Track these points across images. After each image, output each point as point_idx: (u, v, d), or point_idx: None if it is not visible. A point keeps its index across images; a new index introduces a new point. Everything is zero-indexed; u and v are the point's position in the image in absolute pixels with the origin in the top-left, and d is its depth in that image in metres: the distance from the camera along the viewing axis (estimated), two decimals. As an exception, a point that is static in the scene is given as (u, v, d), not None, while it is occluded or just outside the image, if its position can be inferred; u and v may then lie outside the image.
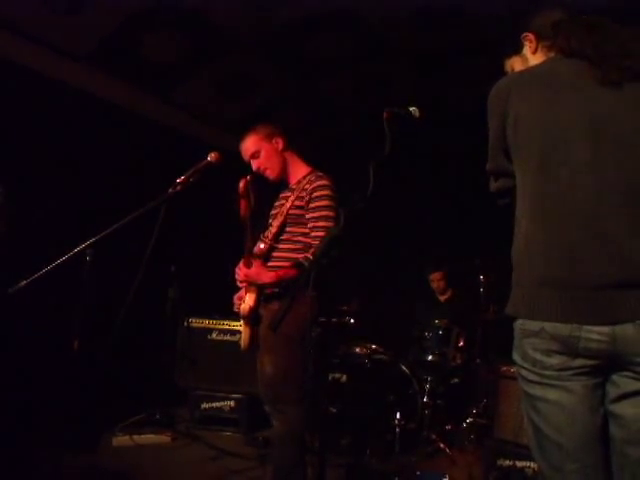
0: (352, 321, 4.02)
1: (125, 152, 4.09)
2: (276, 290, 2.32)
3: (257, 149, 2.43)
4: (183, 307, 3.98)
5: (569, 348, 1.28)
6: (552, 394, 1.32)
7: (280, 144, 2.46)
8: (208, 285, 4.32)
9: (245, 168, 2.56)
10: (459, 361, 3.84)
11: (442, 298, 4.57)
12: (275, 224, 2.38)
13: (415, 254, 4.94)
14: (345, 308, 4.04)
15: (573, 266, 1.27)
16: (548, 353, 1.31)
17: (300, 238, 2.32)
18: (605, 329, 1.25)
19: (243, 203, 2.28)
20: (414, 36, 3.77)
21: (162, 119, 4.40)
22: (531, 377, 1.37)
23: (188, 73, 4.08)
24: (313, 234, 2.29)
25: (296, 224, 2.34)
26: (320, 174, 2.39)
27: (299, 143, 2.57)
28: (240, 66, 4.09)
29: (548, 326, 1.30)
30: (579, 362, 1.30)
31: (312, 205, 2.30)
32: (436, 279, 4.52)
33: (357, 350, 3.82)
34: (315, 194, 2.30)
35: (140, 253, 2.07)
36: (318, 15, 3.59)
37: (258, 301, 2.36)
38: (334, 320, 4.01)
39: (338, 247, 1.66)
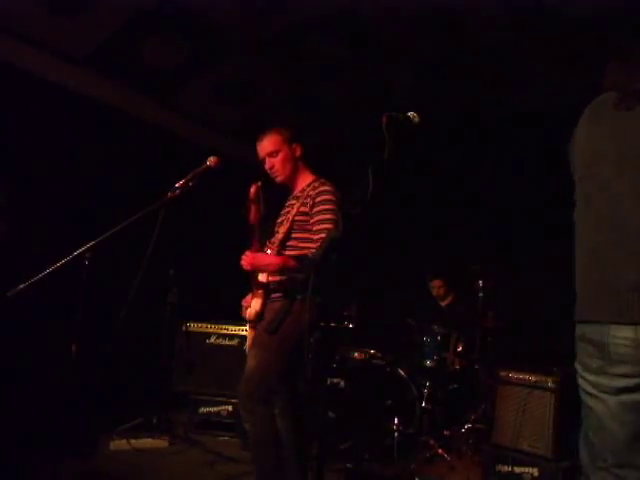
0: (351, 326, 4.03)
1: (124, 156, 4.11)
2: (278, 290, 2.37)
3: (276, 149, 2.49)
4: (182, 311, 3.99)
5: (602, 351, 1.39)
6: (591, 400, 1.44)
7: (298, 151, 2.54)
8: (207, 289, 4.34)
9: (243, 172, 2.59)
10: (458, 366, 3.85)
11: (443, 303, 4.59)
12: (281, 230, 2.44)
13: (415, 258, 4.94)
14: (344, 313, 4.05)
15: (603, 271, 1.41)
16: (589, 356, 1.43)
17: (306, 244, 2.38)
18: (629, 332, 1.35)
19: (254, 208, 2.34)
20: (414, 38, 3.81)
21: (161, 123, 4.41)
22: (580, 379, 1.48)
23: (188, 76, 4.10)
24: (316, 237, 2.34)
25: (301, 230, 2.40)
26: (323, 181, 2.46)
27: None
28: (240, 69, 4.11)
29: (587, 329, 1.44)
30: (616, 369, 1.38)
31: (315, 210, 2.36)
32: (437, 286, 4.55)
33: (356, 355, 3.82)
34: (318, 199, 2.37)
35: (139, 257, 2.09)
36: (318, 17, 3.62)
37: (264, 305, 2.41)
38: (333, 324, 4.02)
39: (337, 250, 1.68)
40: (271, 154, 2.49)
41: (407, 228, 5.09)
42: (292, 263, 2.33)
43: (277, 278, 2.42)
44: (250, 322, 2.42)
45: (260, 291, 2.41)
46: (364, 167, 1.55)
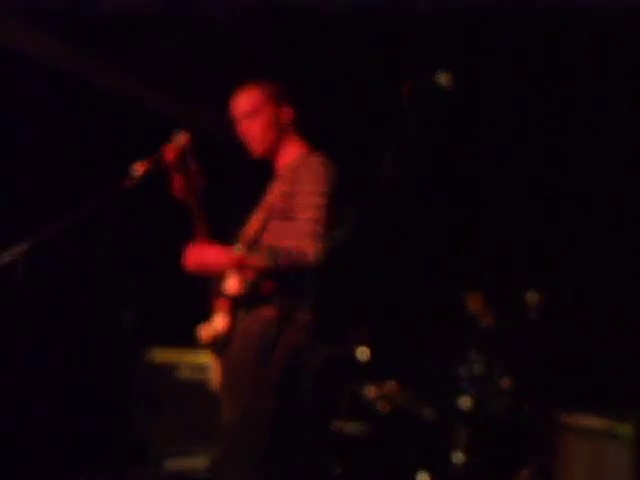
0: (363, 354, 4.00)
1: (63, 128, 4.05)
2: (254, 301, 2.29)
3: (256, 109, 2.42)
4: (143, 335, 3.95)
5: None
6: None
7: (287, 116, 2.46)
8: (177, 305, 4.30)
9: (225, 151, 2.54)
10: (504, 407, 3.80)
11: (482, 323, 4.55)
12: (257, 218, 2.38)
13: (445, 264, 4.93)
14: (352, 336, 4.03)
15: None
16: None
17: (289, 239, 2.26)
18: None
19: (177, 179, 2.24)
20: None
21: (115, 87, 4.41)
22: None
23: (149, 29, 4.09)
24: (301, 229, 2.22)
25: (283, 218, 2.30)
26: (311, 152, 2.39)
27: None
28: (221, 22, 4.08)
29: None
30: None
31: (299, 189, 2.27)
32: (473, 302, 4.51)
33: (369, 391, 3.81)
34: (303, 176, 2.28)
35: (86, 264, 2.06)
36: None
37: (232, 324, 2.34)
38: (338, 351, 3.99)
39: (344, 258, 1.65)
40: (248, 115, 2.42)
41: (435, 226, 5.07)
42: (258, 260, 2.21)
43: (253, 282, 2.32)
44: (210, 346, 2.36)
45: (224, 302, 2.34)
46: (380, 150, 1.56)
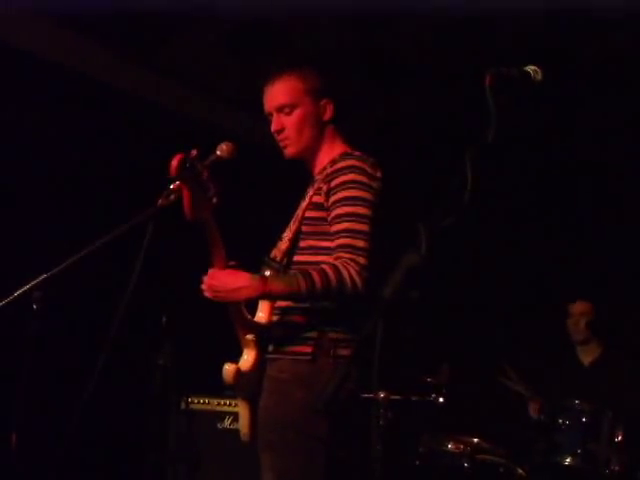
0: (441, 400, 3.95)
1: (89, 137, 4.20)
2: (294, 339, 2.26)
3: (294, 102, 2.40)
4: (180, 379, 3.98)
5: None
6: None
7: (328, 111, 2.44)
8: (217, 346, 4.31)
9: (275, 164, 2.53)
10: (617, 467, 3.71)
11: (586, 361, 4.43)
12: (287, 236, 2.37)
13: (539, 290, 4.87)
14: (429, 380, 3.99)
15: None
16: None
17: (325, 257, 2.26)
18: None
19: (187, 195, 2.21)
20: None
21: (145, 90, 4.54)
22: None
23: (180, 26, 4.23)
24: (334, 244, 2.21)
25: (316, 234, 2.31)
26: (350, 153, 2.36)
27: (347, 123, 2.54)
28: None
29: None
30: None
31: (332, 199, 2.25)
32: (577, 312, 4.39)
33: (450, 446, 3.79)
34: (335, 181, 2.26)
35: (114, 297, 2.08)
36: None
37: (259, 362, 2.32)
38: (413, 399, 3.95)
39: (418, 284, 1.60)
40: (282, 108, 2.39)
41: (526, 243, 5.02)
42: (286, 286, 2.18)
43: (288, 309, 2.31)
44: (233, 389, 2.34)
45: (251, 337, 2.31)
46: (456, 155, 1.52)
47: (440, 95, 4.85)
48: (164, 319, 3.96)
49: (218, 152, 2.26)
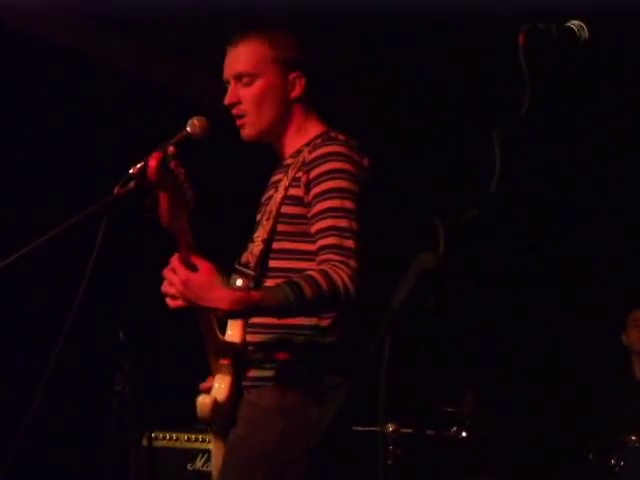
0: (463, 434, 4.02)
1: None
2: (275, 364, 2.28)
3: (255, 71, 2.41)
4: (141, 410, 3.99)
5: None
6: None
7: (298, 87, 2.45)
8: (188, 369, 4.32)
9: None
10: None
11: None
12: (259, 235, 2.38)
13: (582, 299, 4.90)
14: (449, 410, 4.06)
15: None
16: None
17: (308, 262, 2.29)
18: None
19: (164, 198, 2.18)
20: None
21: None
22: None
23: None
24: (318, 245, 2.23)
25: (297, 234, 2.33)
26: (333, 135, 2.38)
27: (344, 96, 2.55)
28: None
29: None
30: None
31: (314, 191, 2.28)
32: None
33: None
34: (317, 171, 2.28)
35: (60, 306, 2.08)
36: None
37: (236, 387, 2.34)
38: (429, 433, 4.02)
39: (435, 292, 1.61)
40: (240, 77, 2.41)
41: (567, 241, 5.05)
42: (270, 298, 2.15)
43: (265, 326, 2.32)
44: (208, 424, 2.38)
45: (225, 362, 2.34)
46: (481, 136, 1.52)
47: (460, 57, 4.89)
48: (122, 335, 3.96)
49: (188, 129, 2.27)
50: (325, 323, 2.27)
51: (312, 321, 2.27)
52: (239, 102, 2.41)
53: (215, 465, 2.45)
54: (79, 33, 4.78)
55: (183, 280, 2.14)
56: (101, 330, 3.80)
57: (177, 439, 4.08)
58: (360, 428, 2.52)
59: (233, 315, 2.23)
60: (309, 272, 2.16)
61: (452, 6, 4.64)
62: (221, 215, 4.17)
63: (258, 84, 2.40)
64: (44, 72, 4.46)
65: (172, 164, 2.13)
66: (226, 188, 4.58)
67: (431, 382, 4.51)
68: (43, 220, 2.21)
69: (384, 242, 2.32)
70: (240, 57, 2.42)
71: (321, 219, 2.23)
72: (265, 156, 2.58)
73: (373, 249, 2.24)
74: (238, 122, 2.44)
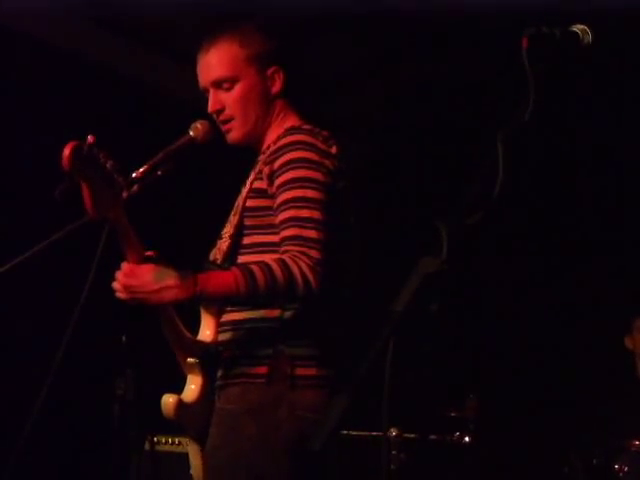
0: (467, 439, 4.01)
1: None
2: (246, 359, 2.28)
3: (234, 74, 2.40)
4: (144, 414, 3.99)
5: None
6: None
7: (278, 82, 2.45)
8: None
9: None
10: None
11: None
12: (227, 231, 2.39)
13: (586, 301, 4.91)
14: (453, 414, 4.06)
15: None
16: None
17: (272, 254, 2.26)
18: None
19: (85, 190, 2.15)
20: None
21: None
22: None
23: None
24: (280, 237, 2.23)
25: (262, 227, 2.32)
26: (298, 127, 2.38)
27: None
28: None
29: None
30: None
31: (277, 182, 2.27)
32: None
33: None
34: (279, 161, 2.27)
35: (64, 310, 2.09)
36: None
37: (207, 388, 2.34)
38: (432, 438, 4.01)
39: (438, 295, 1.62)
40: (220, 83, 2.41)
41: (575, 244, 5.04)
42: (221, 285, 2.18)
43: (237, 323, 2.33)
44: (177, 424, 2.37)
45: (192, 360, 2.35)
46: (485, 137, 1.52)
47: (462, 59, 4.88)
48: (124, 338, 3.96)
49: (191, 132, 2.28)
50: (289, 315, 2.25)
51: (274, 313, 2.25)
52: (223, 108, 2.41)
53: (195, 472, 2.43)
54: (79, 33, 4.81)
55: (126, 271, 2.17)
56: (103, 334, 3.79)
57: (179, 443, 4.06)
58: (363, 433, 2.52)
59: (179, 301, 2.19)
60: (266, 260, 2.15)
61: (454, 7, 4.65)
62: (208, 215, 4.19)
63: (239, 87, 2.40)
64: (44, 72, 4.47)
65: (94, 153, 2.08)
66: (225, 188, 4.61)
67: (434, 386, 4.50)
68: (43, 221, 2.21)
69: (387, 246, 2.32)
70: (214, 63, 2.42)
71: (283, 210, 2.23)
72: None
73: (375, 253, 2.24)
74: (224, 127, 2.43)
